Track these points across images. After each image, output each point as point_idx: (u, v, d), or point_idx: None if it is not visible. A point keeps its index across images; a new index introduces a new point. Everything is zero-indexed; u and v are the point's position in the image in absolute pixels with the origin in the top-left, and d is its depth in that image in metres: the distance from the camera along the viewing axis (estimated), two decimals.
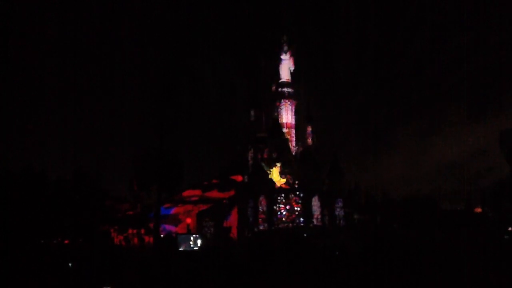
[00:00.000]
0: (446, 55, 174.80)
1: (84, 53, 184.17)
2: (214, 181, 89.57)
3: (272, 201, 77.64)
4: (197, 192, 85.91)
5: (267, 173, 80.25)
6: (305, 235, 63.34)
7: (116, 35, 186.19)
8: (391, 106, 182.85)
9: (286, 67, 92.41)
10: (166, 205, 75.48)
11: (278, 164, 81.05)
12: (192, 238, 57.69)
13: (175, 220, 77.98)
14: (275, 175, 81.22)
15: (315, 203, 79.11)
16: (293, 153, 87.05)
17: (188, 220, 76.57)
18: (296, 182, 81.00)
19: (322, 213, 79.19)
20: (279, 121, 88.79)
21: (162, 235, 63.73)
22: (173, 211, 79.40)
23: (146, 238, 64.57)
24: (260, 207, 77.55)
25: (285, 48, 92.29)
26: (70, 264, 26.78)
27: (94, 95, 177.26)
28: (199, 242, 56.74)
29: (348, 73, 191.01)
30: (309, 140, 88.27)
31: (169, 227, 75.46)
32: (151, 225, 58.66)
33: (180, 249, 51.25)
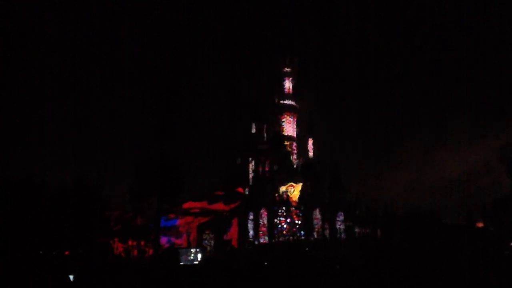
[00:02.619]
0: (451, 69, 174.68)
1: (84, 58, 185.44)
2: (217, 192, 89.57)
3: (273, 214, 77.50)
4: (199, 204, 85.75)
5: (268, 185, 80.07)
6: (306, 249, 63.11)
7: (116, 40, 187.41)
8: (395, 120, 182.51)
9: (288, 80, 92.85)
10: (167, 217, 75.31)
11: None
12: (192, 252, 57.42)
13: (176, 232, 77.79)
14: None
15: (316, 216, 78.95)
16: (294, 166, 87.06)
17: (190, 232, 76.48)
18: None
19: (323, 226, 78.95)
20: (281, 134, 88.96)
21: (164, 247, 63.59)
22: (174, 223, 79.24)
23: (148, 250, 64.26)
24: (261, 220, 77.38)
25: (288, 61, 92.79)
26: (71, 276, 26.76)
27: (95, 103, 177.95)
28: (199, 256, 56.44)
29: (352, 87, 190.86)
30: (310, 153, 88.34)
31: (170, 239, 75.26)
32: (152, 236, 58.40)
33: (181, 263, 51.01)
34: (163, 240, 74.20)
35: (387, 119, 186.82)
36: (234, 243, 76.68)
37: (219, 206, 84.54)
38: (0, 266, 31.75)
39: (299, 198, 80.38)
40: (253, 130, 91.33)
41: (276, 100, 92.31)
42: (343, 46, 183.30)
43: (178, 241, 75.00)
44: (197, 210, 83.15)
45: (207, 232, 77.06)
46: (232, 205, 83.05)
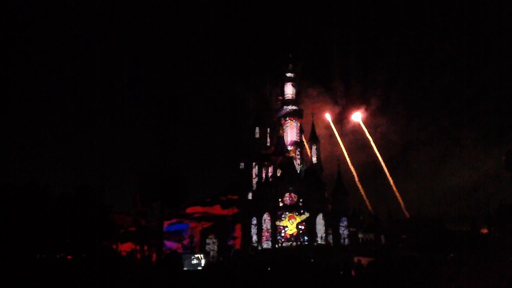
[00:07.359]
0: (459, 77, 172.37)
1: (86, 65, 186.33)
2: (221, 197, 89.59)
3: (276, 219, 77.45)
4: (202, 208, 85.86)
5: (272, 190, 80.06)
6: (309, 254, 62.92)
7: (118, 47, 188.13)
8: (404, 130, 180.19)
9: (291, 85, 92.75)
10: (170, 221, 75.44)
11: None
12: (196, 257, 57.16)
13: (180, 237, 77.88)
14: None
15: (320, 221, 78.80)
16: (298, 171, 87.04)
17: (194, 236, 76.48)
18: (301, 200, 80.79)
19: (326, 232, 78.75)
20: (284, 139, 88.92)
21: (166, 252, 63.48)
22: (178, 227, 79.32)
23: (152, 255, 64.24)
24: (264, 225, 77.32)
25: (291, 66, 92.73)
26: (76, 280, 26.77)
27: (97, 109, 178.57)
28: (203, 261, 56.17)
29: (358, 94, 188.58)
30: (314, 159, 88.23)
31: (173, 244, 75.34)
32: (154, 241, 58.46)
33: (184, 268, 50.83)
34: (173, 245, 74.33)
35: (395, 128, 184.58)
36: (238, 248, 76.67)
37: (223, 210, 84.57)
38: (3, 270, 31.81)
39: (302, 203, 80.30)
40: (257, 135, 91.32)
41: (280, 105, 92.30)
42: (350, 51, 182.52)
43: (179, 246, 75.05)
44: (200, 215, 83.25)
45: (210, 236, 77.05)
46: (236, 210, 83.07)
